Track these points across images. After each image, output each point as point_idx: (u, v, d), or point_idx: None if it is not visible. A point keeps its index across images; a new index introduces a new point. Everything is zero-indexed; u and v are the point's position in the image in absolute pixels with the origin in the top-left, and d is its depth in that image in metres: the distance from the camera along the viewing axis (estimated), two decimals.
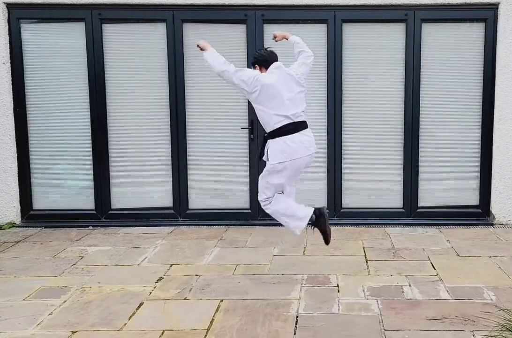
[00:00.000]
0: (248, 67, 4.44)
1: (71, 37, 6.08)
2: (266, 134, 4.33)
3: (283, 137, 4.19)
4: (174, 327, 3.52)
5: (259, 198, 4.47)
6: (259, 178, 4.46)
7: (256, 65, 4.34)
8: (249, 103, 5.99)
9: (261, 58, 4.33)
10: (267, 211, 4.49)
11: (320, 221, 4.32)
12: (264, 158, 4.36)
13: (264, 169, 4.38)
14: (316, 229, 4.39)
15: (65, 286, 4.27)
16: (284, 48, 6.05)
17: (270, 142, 4.24)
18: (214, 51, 4.28)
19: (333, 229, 5.91)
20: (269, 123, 4.22)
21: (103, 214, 6.27)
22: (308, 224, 4.38)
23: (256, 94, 4.18)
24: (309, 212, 4.34)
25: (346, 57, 6.06)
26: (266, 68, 4.30)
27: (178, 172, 6.22)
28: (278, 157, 4.20)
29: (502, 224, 6.10)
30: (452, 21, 6.02)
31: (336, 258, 4.93)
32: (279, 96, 4.20)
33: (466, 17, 6.01)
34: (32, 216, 6.27)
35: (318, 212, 4.34)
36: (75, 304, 3.92)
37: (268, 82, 4.17)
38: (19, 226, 6.15)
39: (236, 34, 6.07)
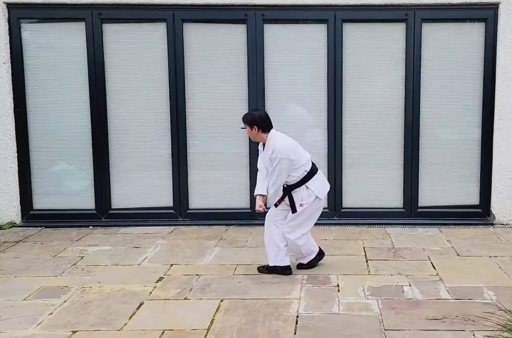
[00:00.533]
0: (245, 122, 4.40)
1: (71, 37, 6.08)
2: (297, 182, 4.40)
3: (319, 172, 4.52)
4: (174, 327, 3.52)
5: (296, 236, 4.46)
6: (299, 221, 4.45)
7: (255, 126, 4.33)
8: (249, 103, 6.04)
9: (264, 123, 4.36)
10: (299, 241, 4.49)
11: (318, 259, 4.71)
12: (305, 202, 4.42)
13: (305, 212, 4.44)
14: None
15: (66, 286, 4.28)
16: (285, 54, 6.08)
17: (311, 182, 4.40)
18: (264, 188, 4.48)
19: (333, 228, 5.93)
20: (301, 171, 4.38)
21: (103, 213, 6.27)
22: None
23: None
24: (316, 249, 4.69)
25: (346, 57, 6.06)
26: (264, 131, 4.35)
27: (178, 171, 6.22)
28: (323, 191, 4.52)
29: (502, 224, 6.10)
30: (452, 21, 6.02)
31: (336, 258, 4.93)
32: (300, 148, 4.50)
33: (466, 17, 6.01)
34: (32, 216, 6.27)
35: (320, 250, 4.71)
36: (76, 304, 3.92)
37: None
38: (19, 226, 6.15)
39: (237, 34, 6.07)
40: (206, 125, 6.20)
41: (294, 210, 4.40)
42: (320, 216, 5.97)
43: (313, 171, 4.44)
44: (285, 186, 4.41)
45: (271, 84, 6.11)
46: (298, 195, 4.39)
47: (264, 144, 4.45)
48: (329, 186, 4.62)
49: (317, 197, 4.41)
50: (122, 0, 5.94)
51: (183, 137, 6.18)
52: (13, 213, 6.17)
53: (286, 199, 4.44)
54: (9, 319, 3.67)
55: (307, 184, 4.39)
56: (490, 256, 4.96)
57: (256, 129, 4.33)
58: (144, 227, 6.07)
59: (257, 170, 6.24)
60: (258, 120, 4.32)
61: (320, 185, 4.47)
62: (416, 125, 6.11)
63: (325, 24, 6.02)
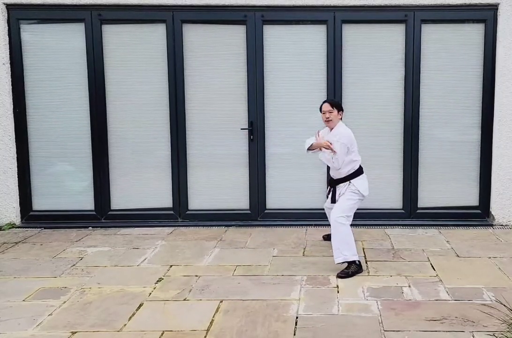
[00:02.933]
0: (336, 106, 4.86)
1: (71, 38, 6.08)
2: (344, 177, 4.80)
3: (364, 174, 4.89)
4: (173, 328, 3.51)
5: (345, 214, 4.62)
6: (348, 203, 4.69)
7: (341, 112, 4.87)
8: (249, 104, 6.05)
9: (343, 110, 4.94)
10: (342, 224, 4.57)
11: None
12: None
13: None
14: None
15: (65, 287, 4.27)
16: (285, 55, 6.08)
17: (357, 179, 4.79)
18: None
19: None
20: (351, 166, 4.80)
21: (102, 214, 6.27)
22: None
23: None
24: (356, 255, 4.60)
25: (346, 58, 6.06)
26: (341, 118, 4.89)
27: (178, 172, 6.22)
28: (364, 188, 4.81)
29: (501, 225, 6.10)
30: (452, 21, 6.02)
31: None
32: None
33: (465, 17, 6.02)
34: (31, 217, 6.27)
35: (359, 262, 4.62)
36: (75, 305, 3.92)
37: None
38: (19, 227, 6.15)
39: (236, 34, 6.07)
40: (206, 126, 6.20)
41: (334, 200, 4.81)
42: (318, 217, 6.04)
43: (359, 171, 4.80)
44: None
45: (270, 85, 6.12)
46: (342, 188, 4.78)
47: (330, 130, 4.86)
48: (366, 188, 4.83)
49: (360, 192, 4.71)
50: (122, 1, 5.95)
51: (183, 138, 6.18)
52: (13, 213, 6.17)
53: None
54: (8, 320, 3.67)
55: (352, 180, 4.75)
56: (490, 257, 4.96)
57: (341, 115, 4.86)
58: (144, 227, 6.06)
59: (256, 171, 6.30)
60: (343, 110, 4.92)
61: (362, 183, 4.78)
62: (416, 126, 6.11)
63: (325, 25, 6.02)
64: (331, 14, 5.99)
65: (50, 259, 5.00)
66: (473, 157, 6.18)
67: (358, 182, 4.74)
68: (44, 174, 6.25)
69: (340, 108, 4.84)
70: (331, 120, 4.77)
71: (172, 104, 6.13)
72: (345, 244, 4.51)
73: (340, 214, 4.58)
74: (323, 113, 4.81)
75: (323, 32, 6.04)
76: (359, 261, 4.56)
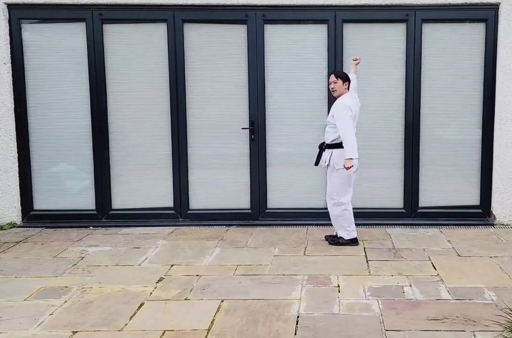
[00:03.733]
0: (340, 76, 5.17)
1: (72, 38, 6.09)
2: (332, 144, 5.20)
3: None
4: (175, 328, 3.52)
5: (333, 201, 5.24)
6: (333, 188, 5.23)
7: (347, 82, 5.17)
8: (250, 103, 6.04)
9: (349, 84, 5.22)
10: (335, 208, 5.24)
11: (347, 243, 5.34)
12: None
13: (333, 176, 5.23)
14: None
15: (66, 286, 4.28)
16: (286, 55, 6.08)
17: (339, 150, 5.14)
18: (349, 144, 5.01)
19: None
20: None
21: (103, 214, 6.27)
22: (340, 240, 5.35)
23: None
24: (355, 233, 5.34)
25: (346, 58, 6.05)
26: (347, 88, 5.19)
27: (179, 172, 6.22)
28: (340, 162, 5.12)
29: (502, 224, 6.10)
30: (452, 21, 6.02)
31: (336, 258, 4.93)
32: None
33: (466, 17, 6.01)
34: (32, 216, 6.27)
35: (355, 239, 5.35)
36: (76, 304, 3.92)
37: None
38: (19, 226, 6.15)
39: (237, 34, 6.07)
40: (207, 125, 6.20)
41: (316, 163, 5.33)
42: (319, 217, 6.04)
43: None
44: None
45: (271, 84, 6.12)
46: (325, 155, 5.22)
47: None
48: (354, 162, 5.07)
49: (333, 163, 5.13)
50: (123, 1, 5.95)
51: (184, 138, 6.18)
52: (14, 213, 6.17)
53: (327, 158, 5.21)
54: (9, 319, 3.67)
55: (334, 150, 5.13)
56: (491, 256, 4.96)
57: (346, 85, 5.17)
58: (145, 227, 6.07)
59: (257, 170, 6.29)
60: (349, 80, 5.21)
61: (342, 156, 5.05)
62: (417, 126, 6.11)
63: (326, 25, 6.02)
64: (332, 13, 5.99)
65: (51, 259, 5.00)
66: (474, 156, 6.18)
67: (337, 154, 5.10)
68: (45, 174, 6.26)
69: (345, 79, 5.14)
70: (335, 90, 5.15)
71: (173, 103, 6.13)
72: (339, 225, 5.28)
73: (329, 201, 5.27)
74: (329, 84, 5.20)
75: (324, 32, 6.04)
76: (353, 239, 5.27)
